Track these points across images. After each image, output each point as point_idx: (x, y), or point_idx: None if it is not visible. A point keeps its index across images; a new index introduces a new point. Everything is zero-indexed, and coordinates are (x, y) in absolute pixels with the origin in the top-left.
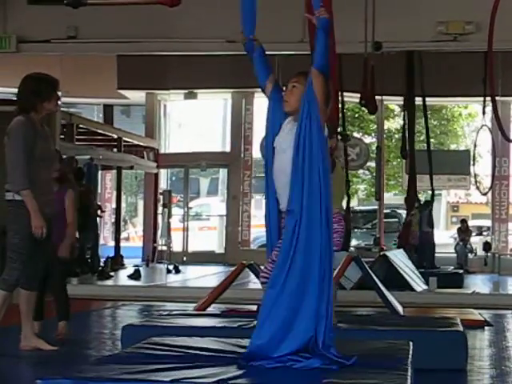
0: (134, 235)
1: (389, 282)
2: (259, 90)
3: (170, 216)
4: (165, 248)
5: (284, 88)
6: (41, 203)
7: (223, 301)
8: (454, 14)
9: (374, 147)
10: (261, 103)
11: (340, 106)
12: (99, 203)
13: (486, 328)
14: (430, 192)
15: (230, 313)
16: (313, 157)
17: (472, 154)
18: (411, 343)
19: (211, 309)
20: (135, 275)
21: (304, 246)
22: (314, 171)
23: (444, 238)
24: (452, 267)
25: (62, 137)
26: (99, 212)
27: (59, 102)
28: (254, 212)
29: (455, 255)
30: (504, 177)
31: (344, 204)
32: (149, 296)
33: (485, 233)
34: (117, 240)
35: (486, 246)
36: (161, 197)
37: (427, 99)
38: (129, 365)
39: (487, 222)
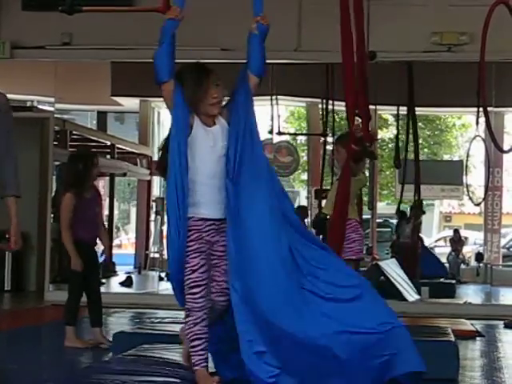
0: (126, 242)
1: (381, 291)
2: (253, 98)
3: (162, 223)
4: (157, 255)
5: (210, 87)
6: None
7: None
8: (449, 24)
9: None
10: (256, 111)
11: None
12: None
13: (478, 338)
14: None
15: None
16: (256, 156)
17: (465, 164)
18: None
19: None
20: (127, 282)
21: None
22: (260, 169)
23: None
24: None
25: (56, 143)
26: None
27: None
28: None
29: (447, 265)
30: (497, 187)
31: None
32: (140, 303)
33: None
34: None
35: (479, 257)
36: (153, 204)
37: (421, 109)
38: (119, 372)
39: (479, 234)
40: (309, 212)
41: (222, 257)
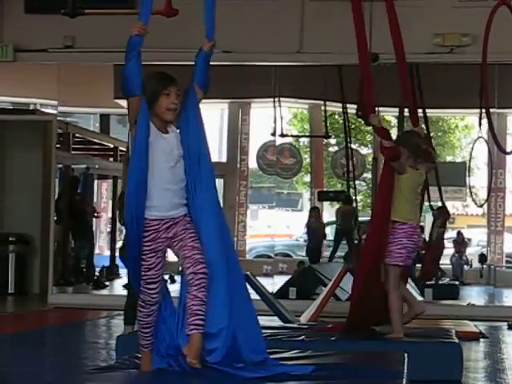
0: None
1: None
2: (256, 100)
3: None
4: None
5: (172, 91)
6: None
7: None
8: (451, 26)
9: (370, 158)
10: (258, 113)
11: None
12: (94, 206)
13: (482, 340)
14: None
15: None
16: (202, 158)
17: (468, 165)
18: (406, 354)
19: None
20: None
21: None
22: (205, 173)
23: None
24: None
25: (59, 146)
26: (95, 214)
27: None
28: (250, 222)
29: (450, 267)
30: (500, 189)
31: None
32: None
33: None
34: (112, 249)
35: (482, 258)
36: None
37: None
38: (123, 375)
39: (483, 235)
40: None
41: (184, 237)
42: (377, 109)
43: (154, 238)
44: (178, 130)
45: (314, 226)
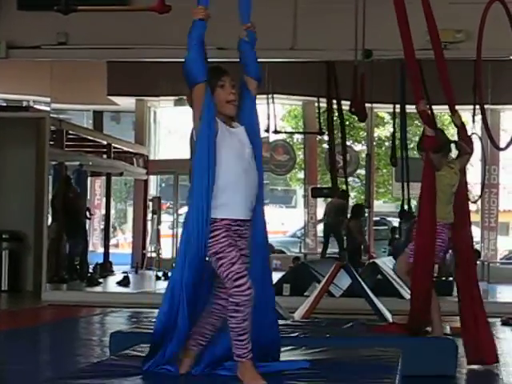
0: (123, 242)
1: (378, 289)
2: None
3: (159, 223)
4: (154, 255)
5: (222, 86)
6: None
7: None
8: (444, 22)
9: (363, 155)
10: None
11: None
12: (88, 206)
13: None
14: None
15: None
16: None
17: None
18: (400, 350)
19: None
20: (124, 282)
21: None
22: (261, 179)
23: None
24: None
25: (52, 143)
26: (88, 215)
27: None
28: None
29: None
30: (493, 185)
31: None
32: (138, 303)
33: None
34: (106, 246)
35: (476, 254)
36: (150, 203)
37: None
38: (116, 372)
39: (477, 230)
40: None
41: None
42: (370, 105)
43: (227, 234)
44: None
45: (336, 204)
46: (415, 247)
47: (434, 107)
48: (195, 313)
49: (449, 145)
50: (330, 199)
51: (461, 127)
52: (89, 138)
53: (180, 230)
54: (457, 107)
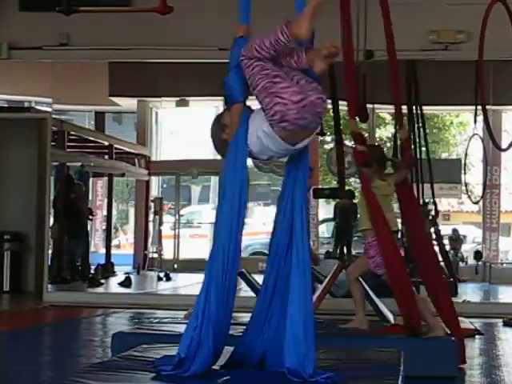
0: (124, 243)
1: (380, 289)
2: (251, 97)
3: (161, 223)
4: (156, 255)
5: None
6: None
7: None
8: (446, 23)
9: None
10: None
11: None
12: (90, 207)
13: (477, 337)
14: None
15: None
16: None
17: (463, 162)
18: (402, 351)
19: None
20: (126, 283)
21: None
22: None
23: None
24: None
25: (53, 144)
26: (90, 216)
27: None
28: (246, 220)
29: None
30: (495, 185)
31: None
32: (139, 303)
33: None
34: (108, 247)
35: (477, 255)
36: (152, 204)
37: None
38: (118, 372)
39: (478, 231)
40: None
41: None
42: (372, 106)
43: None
44: None
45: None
46: (384, 259)
47: (433, 107)
48: (221, 334)
49: (382, 161)
50: (337, 200)
51: (405, 141)
52: (90, 138)
53: (181, 231)
54: (459, 108)
